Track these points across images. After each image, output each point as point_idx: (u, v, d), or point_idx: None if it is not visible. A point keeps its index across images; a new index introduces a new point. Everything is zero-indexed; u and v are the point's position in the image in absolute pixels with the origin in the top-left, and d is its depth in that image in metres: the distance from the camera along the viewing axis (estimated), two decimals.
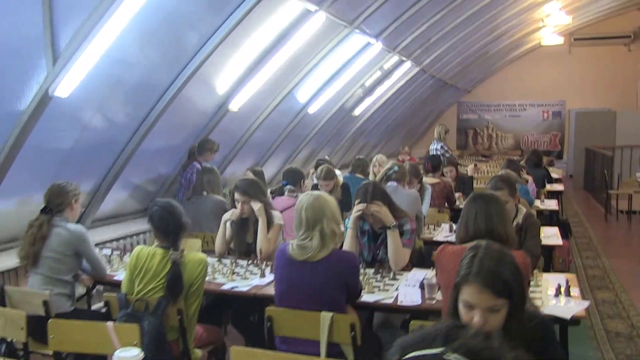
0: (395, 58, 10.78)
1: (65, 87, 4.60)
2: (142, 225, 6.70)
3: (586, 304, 3.62)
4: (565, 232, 9.78)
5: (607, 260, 8.54)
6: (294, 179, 6.19)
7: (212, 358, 4.07)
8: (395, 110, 14.16)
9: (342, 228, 4.17)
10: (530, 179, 8.28)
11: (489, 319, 2.22)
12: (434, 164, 7.48)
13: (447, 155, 9.27)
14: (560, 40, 16.81)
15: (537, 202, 7.86)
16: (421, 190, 6.56)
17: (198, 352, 3.74)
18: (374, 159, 8.64)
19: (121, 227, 6.73)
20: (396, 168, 5.73)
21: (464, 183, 8.36)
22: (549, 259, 7.87)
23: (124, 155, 6.03)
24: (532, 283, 3.91)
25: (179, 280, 3.54)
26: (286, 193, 6.01)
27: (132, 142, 5.99)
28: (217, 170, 6.44)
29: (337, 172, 9.03)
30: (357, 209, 4.48)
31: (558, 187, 9.79)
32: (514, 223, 4.51)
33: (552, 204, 7.83)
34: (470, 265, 2.30)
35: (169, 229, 3.68)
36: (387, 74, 11.41)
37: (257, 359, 3.00)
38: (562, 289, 3.78)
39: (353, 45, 8.92)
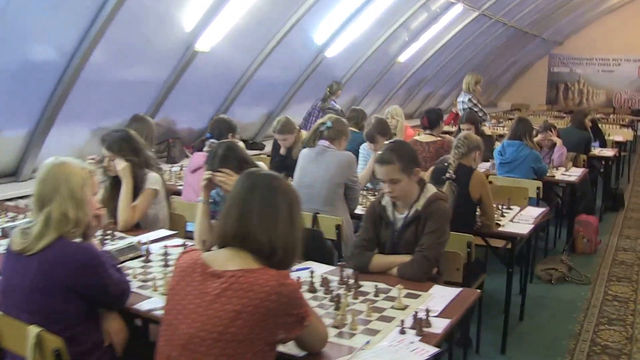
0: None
1: None
2: None
3: (431, 352, 2.16)
4: (616, 205, 7.92)
5: None
6: (220, 130, 4.88)
7: None
8: (458, 58, 12.25)
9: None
10: (559, 142, 6.48)
11: None
12: (431, 119, 5.90)
13: (475, 109, 7.56)
14: None
15: (557, 172, 6.09)
16: None
17: None
18: (386, 112, 7.13)
19: None
20: (329, 124, 4.28)
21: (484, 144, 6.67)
22: (572, 239, 6.24)
23: None
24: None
25: None
26: (205, 148, 4.71)
27: None
28: (150, 120, 5.22)
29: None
30: (204, 177, 3.22)
31: (608, 152, 7.79)
32: (412, 210, 3.05)
33: (575, 174, 6.02)
34: None
35: None
36: (435, 17, 9.65)
37: None
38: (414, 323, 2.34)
39: None
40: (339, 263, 2.89)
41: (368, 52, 9.09)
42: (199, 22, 5.88)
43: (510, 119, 12.55)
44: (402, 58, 10.04)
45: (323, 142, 4.28)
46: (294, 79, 8.23)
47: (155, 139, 5.41)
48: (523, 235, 3.85)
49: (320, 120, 4.40)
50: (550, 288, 5.30)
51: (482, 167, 6.24)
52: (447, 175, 3.84)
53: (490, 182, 5.47)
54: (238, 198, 2.07)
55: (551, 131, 6.44)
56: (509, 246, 3.97)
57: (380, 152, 3.06)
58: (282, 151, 5.80)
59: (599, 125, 8.70)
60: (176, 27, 5.80)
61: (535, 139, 6.56)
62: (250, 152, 7.06)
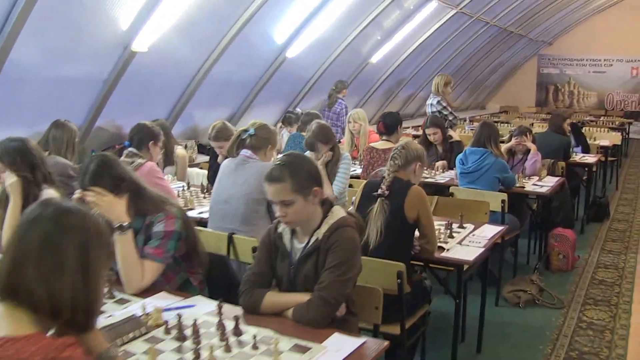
0: None
1: None
2: None
3: None
4: (600, 215, 7.32)
5: (637, 257, 6.04)
6: (140, 138, 4.27)
7: None
8: (438, 59, 11.65)
9: None
10: (533, 148, 5.87)
11: None
12: (388, 124, 5.30)
13: (445, 112, 6.96)
14: None
15: (529, 182, 5.48)
16: (333, 160, 4.49)
17: None
18: (348, 115, 6.53)
19: None
20: (252, 130, 3.66)
21: (452, 150, 6.08)
22: (546, 255, 5.63)
23: None
24: None
25: None
26: (122, 157, 4.09)
27: None
28: (72, 126, 4.62)
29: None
30: (74, 195, 2.63)
31: (590, 158, 7.17)
32: (312, 239, 2.44)
33: (548, 184, 5.40)
34: None
35: None
36: (408, 15, 9.05)
37: None
38: None
39: None
40: (219, 302, 2.28)
41: (336, 51, 8.48)
42: (135, 19, 5.29)
43: (497, 122, 11.96)
44: (375, 58, 9.43)
45: (245, 152, 3.68)
46: (255, 79, 7.63)
47: (77, 146, 4.81)
48: (468, 262, 3.20)
49: (243, 127, 3.79)
50: (517, 313, 4.69)
51: (447, 175, 5.65)
52: (379, 191, 3.23)
53: (451, 194, 4.87)
54: (16, 236, 1.48)
55: (526, 136, 5.83)
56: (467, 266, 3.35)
57: (271, 168, 2.44)
58: (220, 159, 5.19)
59: (581, 129, 8.06)
60: (111, 23, 5.21)
61: (508, 144, 5.98)
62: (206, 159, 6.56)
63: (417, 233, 3.29)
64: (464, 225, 3.82)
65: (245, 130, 3.69)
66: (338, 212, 2.46)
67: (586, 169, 7.17)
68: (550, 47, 17.28)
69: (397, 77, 11.07)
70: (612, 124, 12.46)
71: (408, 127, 10.54)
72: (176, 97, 6.68)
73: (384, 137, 5.36)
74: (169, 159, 5.29)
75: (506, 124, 11.44)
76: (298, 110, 7.19)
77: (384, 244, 3.10)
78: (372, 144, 5.41)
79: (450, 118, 6.94)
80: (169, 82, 6.46)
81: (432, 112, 7.00)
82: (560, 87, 17.43)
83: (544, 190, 5.16)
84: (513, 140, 5.86)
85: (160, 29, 5.45)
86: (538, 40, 15.93)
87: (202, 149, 7.33)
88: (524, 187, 5.21)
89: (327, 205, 2.47)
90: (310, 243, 2.41)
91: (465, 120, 10.96)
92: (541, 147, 6.43)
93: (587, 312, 4.67)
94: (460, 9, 9.84)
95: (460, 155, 5.07)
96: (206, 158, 6.77)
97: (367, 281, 2.92)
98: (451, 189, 4.92)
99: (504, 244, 4.84)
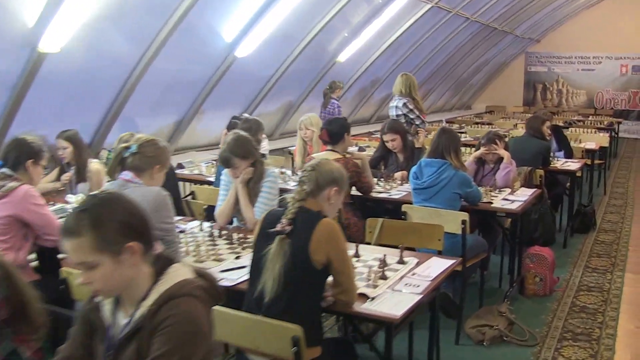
0: None
1: None
2: None
3: None
4: (585, 226, 6.61)
5: (624, 276, 5.32)
6: (17, 156, 3.46)
7: None
8: (416, 57, 10.91)
9: None
10: (506, 156, 5.13)
11: None
12: (332, 132, 4.55)
13: (412, 116, 6.21)
14: None
15: (499, 196, 4.73)
16: (254, 178, 3.74)
17: None
18: (300, 120, 5.78)
19: None
20: (134, 147, 2.92)
21: (414, 158, 5.33)
22: (520, 279, 4.90)
23: None
24: None
25: None
26: None
27: None
28: None
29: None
30: None
31: (573, 164, 6.42)
32: (138, 313, 1.69)
33: (520, 199, 4.64)
34: None
35: None
36: (377, 10, 8.31)
37: None
38: None
39: None
40: None
41: (298, 48, 7.74)
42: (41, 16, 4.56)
43: (478, 123, 11.24)
44: (343, 57, 8.68)
45: (125, 175, 2.94)
46: (205, 79, 6.87)
47: None
48: (395, 318, 2.42)
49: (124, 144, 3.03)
50: (480, 353, 3.95)
51: (404, 189, 4.90)
52: (278, 226, 2.47)
53: (403, 215, 4.13)
54: None
55: (497, 143, 5.09)
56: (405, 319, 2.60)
57: (67, 216, 1.69)
58: None
59: (564, 131, 7.31)
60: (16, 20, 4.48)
61: (476, 153, 5.25)
62: None
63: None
64: (405, 259, 3.07)
65: (127, 147, 2.94)
66: (175, 274, 1.71)
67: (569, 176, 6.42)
68: (538, 44, 16.56)
69: (371, 77, 10.34)
70: (601, 123, 11.72)
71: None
72: (109, 101, 5.94)
73: (329, 147, 4.61)
74: (81, 176, 4.54)
75: (488, 126, 10.70)
76: (246, 115, 6.44)
77: (283, 297, 2.36)
78: (313, 155, 4.67)
79: (417, 122, 6.20)
80: (100, 81, 5.71)
81: (396, 116, 6.25)
82: (549, 86, 16.71)
83: (514, 206, 4.40)
84: (482, 149, 5.12)
85: (71, 25, 4.70)
86: (525, 38, 15.21)
87: None
88: (491, 203, 4.46)
89: (160, 264, 1.72)
90: (134, 319, 1.66)
91: (442, 122, 10.19)
92: (517, 154, 5.70)
93: (564, 350, 3.95)
94: (436, 4, 9.13)
95: (414, 168, 4.32)
96: None
97: (260, 347, 2.19)
98: (404, 207, 4.17)
99: (466, 270, 4.11)
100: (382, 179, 5.18)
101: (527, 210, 4.83)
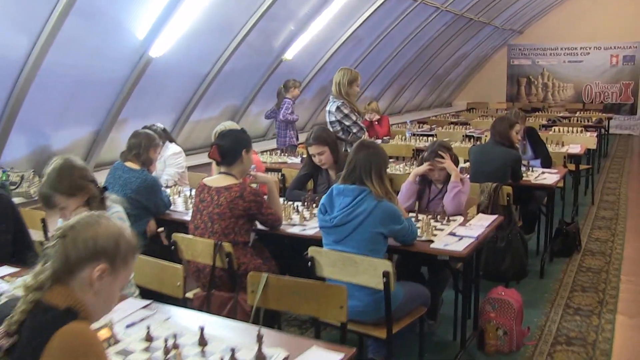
0: None
1: None
2: None
3: None
4: (567, 248, 5.51)
5: (614, 320, 4.19)
6: None
7: None
8: (382, 52, 9.79)
9: None
10: (454, 173, 3.98)
11: None
12: (224, 149, 3.41)
13: (347, 123, 5.05)
14: None
15: (445, 231, 3.57)
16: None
17: None
18: (214, 131, 4.63)
19: None
20: None
21: None
22: (478, 332, 3.77)
23: None
24: None
25: None
26: None
27: None
28: None
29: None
30: None
31: (550, 176, 5.26)
32: None
33: (472, 234, 3.46)
34: None
35: None
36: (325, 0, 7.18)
37: None
38: None
39: None
40: None
41: (231, 45, 6.60)
42: None
43: (453, 123, 10.11)
44: (290, 54, 7.54)
45: None
46: (120, 81, 5.73)
47: None
48: None
49: None
50: None
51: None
52: None
53: (310, 261, 3.01)
54: None
55: (442, 156, 3.94)
56: None
57: None
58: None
59: (538, 134, 6.12)
60: None
61: (418, 169, 4.11)
62: None
63: None
64: None
65: None
66: None
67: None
68: (521, 36, 15.44)
69: (331, 75, 9.17)
70: (589, 120, 10.59)
71: None
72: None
73: (222, 169, 3.48)
74: None
75: (464, 126, 9.56)
76: (159, 125, 5.29)
77: None
78: (205, 180, 3.52)
79: (355, 130, 5.05)
80: None
81: (330, 123, 5.11)
82: (533, 80, 15.59)
83: (461, 246, 3.23)
84: (424, 165, 3.99)
85: None
86: (506, 29, 14.10)
87: None
88: (431, 242, 3.30)
89: None
90: None
91: (406, 124, 9.04)
92: (479, 166, 4.61)
93: None
94: None
95: (323, 198, 3.17)
96: None
97: None
98: (311, 251, 3.03)
99: (394, 337, 2.98)
100: (305, 205, 4.04)
101: (490, 239, 3.72)
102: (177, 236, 3.45)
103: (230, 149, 3.44)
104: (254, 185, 3.51)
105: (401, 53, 10.40)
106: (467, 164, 5.16)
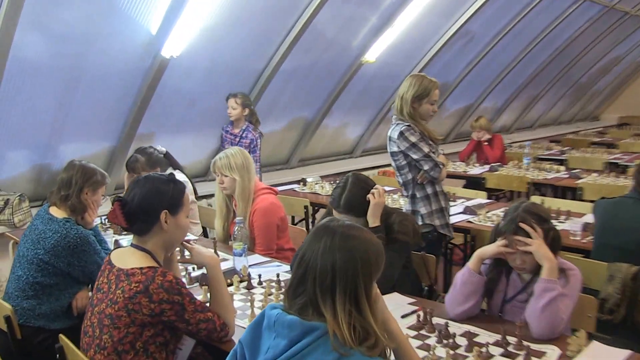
0: None
1: None
2: None
3: None
4: None
5: None
6: None
7: None
8: (502, 54, 7.93)
9: None
10: (547, 260, 2.24)
11: None
12: (130, 212, 1.98)
13: (415, 155, 3.30)
14: None
15: None
16: None
17: None
18: (213, 161, 3.22)
19: None
20: None
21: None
22: None
23: None
24: None
25: None
26: None
27: None
28: None
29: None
30: None
31: None
32: None
33: None
34: None
35: None
36: None
37: None
38: None
39: None
40: None
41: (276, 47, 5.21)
42: None
43: (595, 145, 8.03)
44: (373, 55, 5.98)
45: None
46: (132, 95, 4.57)
47: None
48: None
49: None
50: None
51: None
52: None
53: None
54: None
55: (526, 232, 2.21)
56: None
57: None
58: None
59: None
60: None
61: (488, 251, 2.41)
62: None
63: None
64: None
65: None
66: None
67: None
68: None
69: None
70: None
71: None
72: None
73: (133, 241, 2.05)
74: None
75: (609, 149, 7.42)
76: (160, 148, 4.00)
77: None
78: (115, 251, 2.11)
79: (426, 167, 3.33)
80: None
81: (391, 153, 3.47)
82: None
83: None
84: (496, 244, 2.28)
85: None
86: None
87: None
88: None
89: None
90: None
91: (525, 146, 7.04)
92: (609, 234, 2.83)
93: None
94: None
95: (244, 334, 1.61)
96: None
97: None
98: None
99: None
100: None
101: None
102: (64, 340, 2.09)
103: (140, 208, 2.00)
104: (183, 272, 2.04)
105: (531, 55, 8.45)
106: (591, 222, 3.28)
